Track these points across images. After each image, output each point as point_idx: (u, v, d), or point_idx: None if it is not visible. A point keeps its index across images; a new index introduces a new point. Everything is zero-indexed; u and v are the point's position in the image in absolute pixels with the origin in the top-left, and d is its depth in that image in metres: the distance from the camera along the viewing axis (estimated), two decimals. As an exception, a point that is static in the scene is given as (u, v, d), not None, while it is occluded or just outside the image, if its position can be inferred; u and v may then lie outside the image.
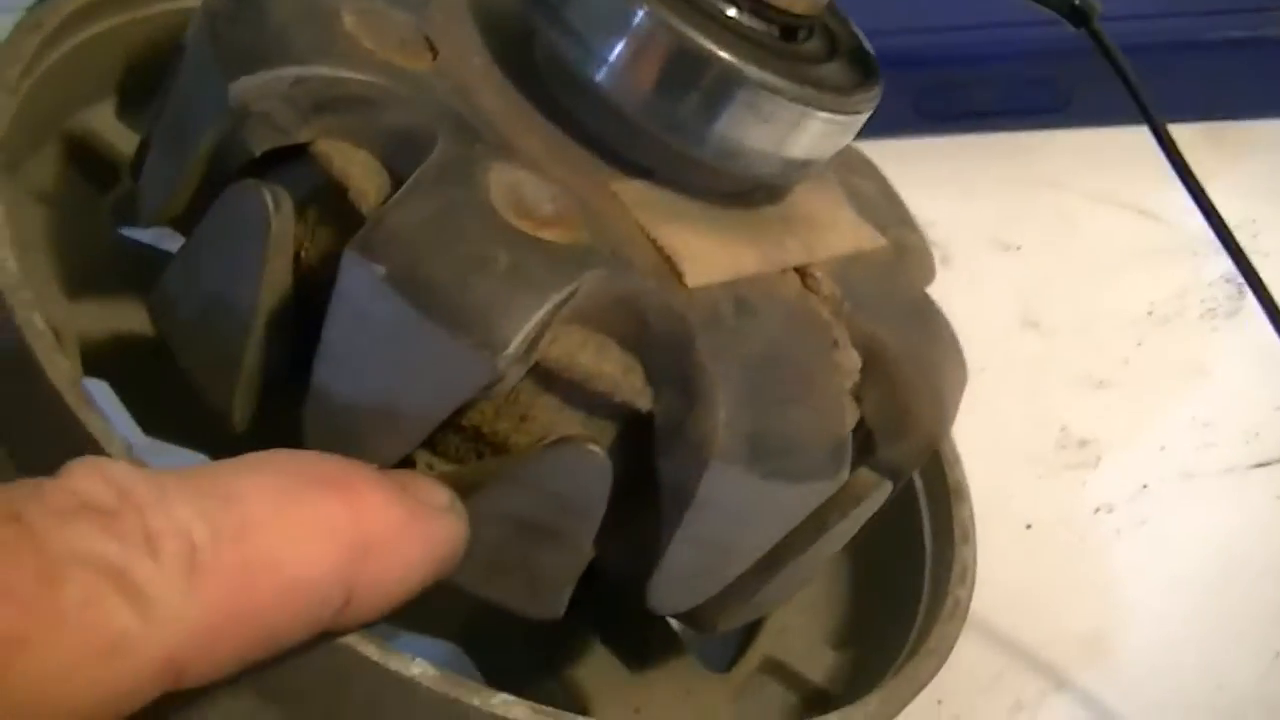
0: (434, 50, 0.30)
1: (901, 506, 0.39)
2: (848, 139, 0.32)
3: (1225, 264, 0.57)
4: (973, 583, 0.38)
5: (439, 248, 0.25)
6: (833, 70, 0.32)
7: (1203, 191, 0.42)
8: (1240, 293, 0.57)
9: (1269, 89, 0.63)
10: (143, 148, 0.31)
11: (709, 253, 0.30)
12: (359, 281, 0.25)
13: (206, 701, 0.25)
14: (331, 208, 0.27)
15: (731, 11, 0.30)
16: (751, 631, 0.39)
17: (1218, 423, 0.53)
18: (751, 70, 0.29)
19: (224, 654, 0.20)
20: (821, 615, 0.41)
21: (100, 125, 0.35)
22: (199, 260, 0.28)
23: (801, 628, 0.40)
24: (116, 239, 0.33)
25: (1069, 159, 0.63)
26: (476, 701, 0.25)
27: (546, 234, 0.27)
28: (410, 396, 0.25)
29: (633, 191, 0.30)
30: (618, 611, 0.33)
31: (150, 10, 0.36)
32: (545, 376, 0.27)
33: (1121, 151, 0.59)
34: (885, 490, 0.32)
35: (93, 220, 0.33)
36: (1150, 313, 0.57)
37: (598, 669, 0.36)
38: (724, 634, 0.34)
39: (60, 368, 0.25)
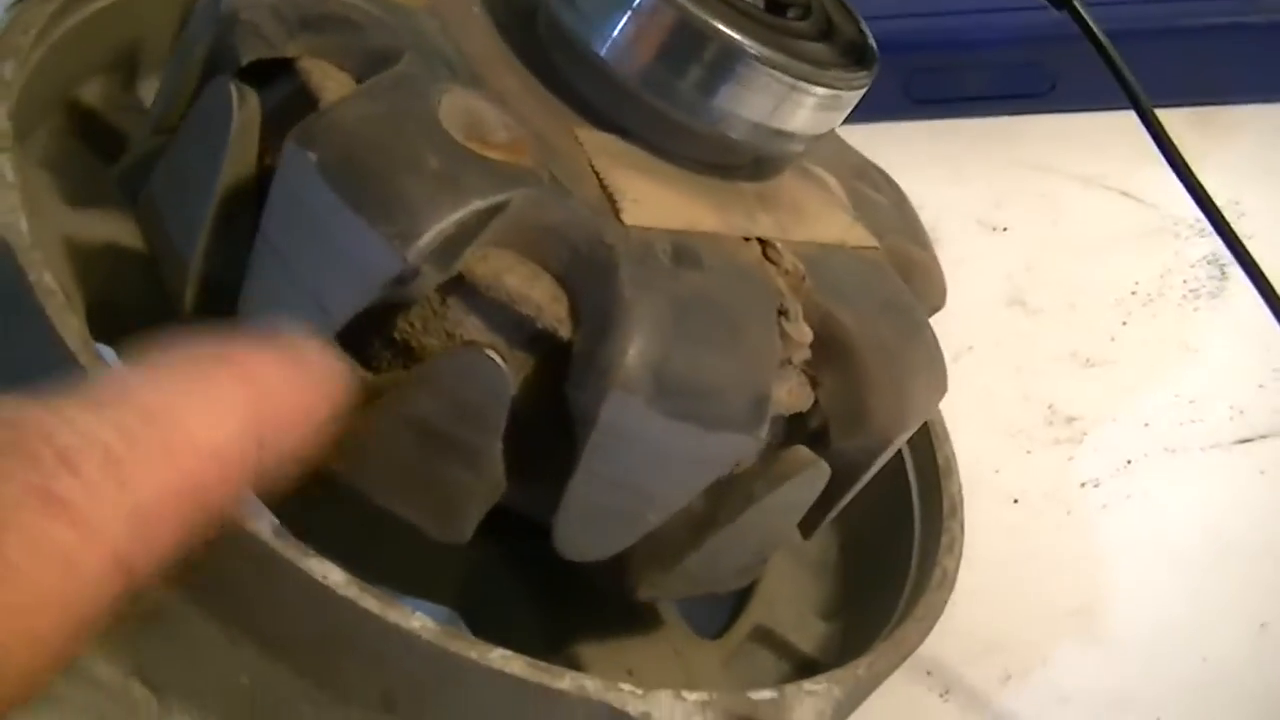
0: None
1: (891, 482, 0.40)
2: (829, 117, 0.32)
3: (1207, 246, 0.59)
4: (960, 554, 0.38)
5: (373, 145, 0.26)
6: (821, 50, 0.32)
7: (1192, 173, 0.43)
8: (1223, 274, 0.58)
9: (1253, 73, 0.64)
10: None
11: (658, 200, 0.30)
12: (294, 167, 0.26)
13: (206, 658, 0.26)
14: (300, 119, 0.28)
15: None
16: (742, 601, 0.39)
17: (1202, 400, 0.54)
18: (723, 31, 0.29)
19: (164, 537, 0.21)
20: (811, 587, 0.41)
21: (107, 97, 0.36)
22: (175, 151, 0.30)
23: (791, 598, 0.40)
24: (121, 209, 0.34)
25: (1055, 143, 0.63)
26: (474, 655, 0.25)
27: (490, 154, 0.27)
28: (331, 284, 0.26)
29: (597, 140, 0.31)
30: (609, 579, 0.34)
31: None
32: (471, 294, 0.27)
33: (1106, 135, 0.60)
34: (821, 473, 0.31)
35: (98, 190, 0.33)
36: (1135, 292, 0.58)
37: (591, 633, 0.36)
38: (711, 599, 0.34)
39: (72, 326, 0.26)
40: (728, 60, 0.30)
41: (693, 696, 0.26)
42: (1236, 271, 0.43)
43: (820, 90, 0.31)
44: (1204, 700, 0.46)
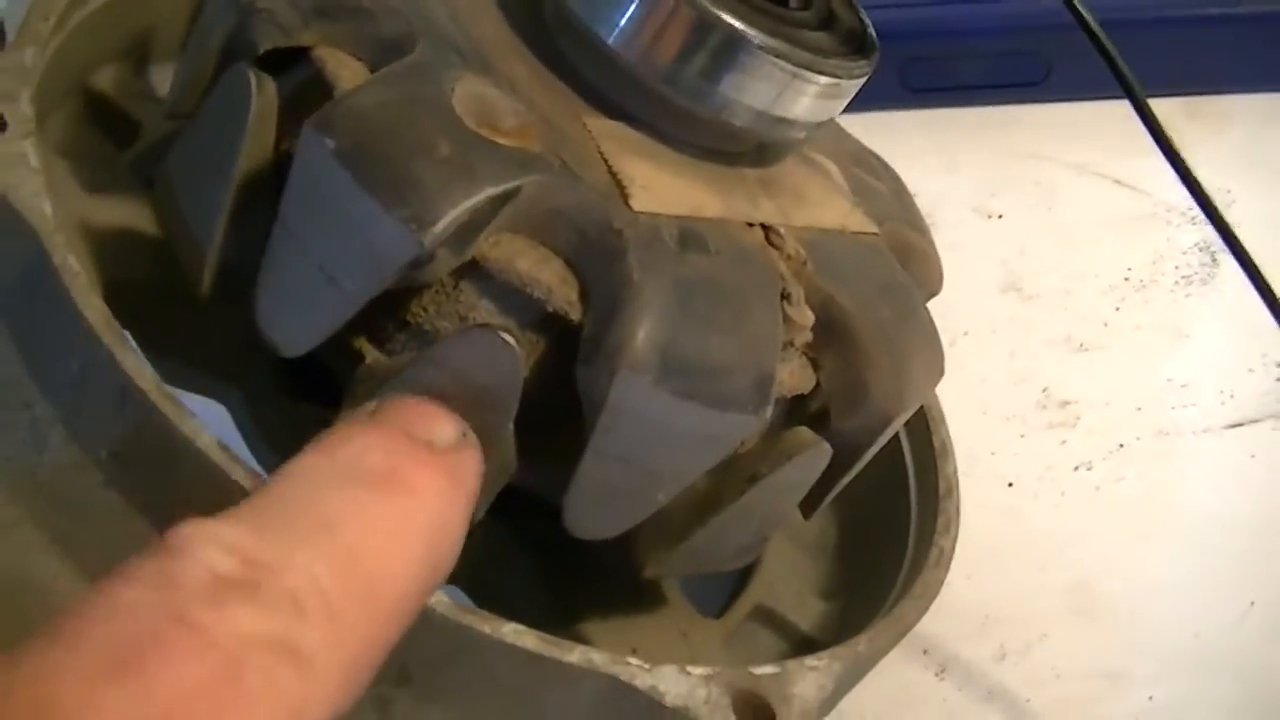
0: None
1: (888, 464, 0.40)
2: (830, 105, 0.33)
3: (1198, 233, 0.59)
4: (956, 534, 0.38)
5: (389, 131, 0.26)
6: (822, 39, 0.32)
7: (1184, 162, 0.43)
8: (1214, 260, 0.59)
9: (1244, 64, 0.64)
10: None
11: (665, 186, 0.30)
12: (312, 153, 0.26)
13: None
14: (316, 106, 0.28)
15: None
16: (743, 581, 0.40)
17: (1194, 384, 0.55)
18: (727, 20, 0.30)
19: (364, 676, 0.21)
20: (810, 567, 0.42)
21: (120, 83, 0.36)
22: (192, 136, 0.30)
23: (791, 579, 0.41)
24: (135, 193, 0.34)
25: (1049, 131, 0.64)
26: (488, 629, 0.26)
27: (501, 140, 0.28)
28: (348, 268, 0.27)
29: (605, 126, 0.31)
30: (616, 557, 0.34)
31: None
32: (484, 278, 0.28)
33: (1100, 124, 0.60)
34: (823, 453, 0.31)
35: (111, 175, 0.34)
36: (1127, 279, 0.58)
37: (597, 612, 0.36)
38: (713, 580, 0.35)
39: (95, 307, 0.26)
40: (732, 49, 0.30)
41: (697, 671, 0.27)
42: (1227, 258, 0.44)
43: (822, 79, 0.31)
44: (1195, 675, 0.47)
